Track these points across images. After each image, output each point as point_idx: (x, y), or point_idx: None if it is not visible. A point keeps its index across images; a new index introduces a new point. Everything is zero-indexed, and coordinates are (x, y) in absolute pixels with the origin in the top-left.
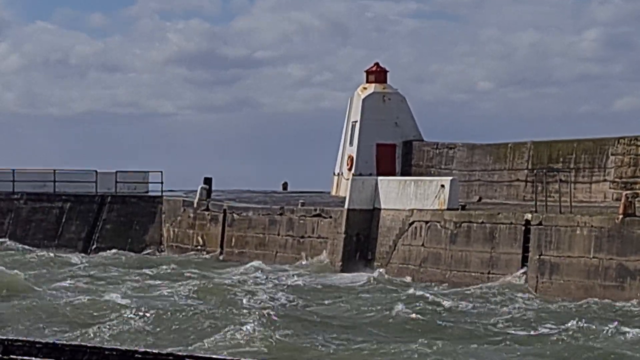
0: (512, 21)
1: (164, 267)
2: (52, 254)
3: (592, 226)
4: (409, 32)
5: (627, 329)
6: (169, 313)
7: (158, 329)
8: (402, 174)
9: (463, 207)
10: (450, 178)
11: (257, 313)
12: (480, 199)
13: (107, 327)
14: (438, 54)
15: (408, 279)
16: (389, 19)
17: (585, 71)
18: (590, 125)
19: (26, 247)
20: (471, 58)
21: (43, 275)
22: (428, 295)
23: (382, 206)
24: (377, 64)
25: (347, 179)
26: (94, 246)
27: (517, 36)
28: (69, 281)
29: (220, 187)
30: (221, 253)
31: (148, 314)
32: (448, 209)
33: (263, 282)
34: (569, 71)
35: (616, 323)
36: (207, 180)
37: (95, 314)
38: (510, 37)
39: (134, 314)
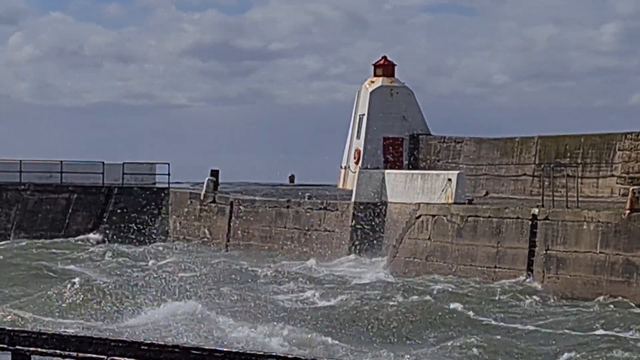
0: (531, 14)
1: None
2: None
3: (598, 221)
4: (427, 25)
5: None
6: None
7: None
8: (409, 168)
9: (470, 202)
10: (457, 172)
11: None
12: (487, 193)
13: None
14: (455, 46)
15: None
16: (406, 11)
17: (602, 65)
18: (605, 120)
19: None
20: (488, 51)
21: None
22: None
23: (389, 200)
24: (384, 58)
25: (354, 172)
26: (100, 237)
27: (535, 29)
28: None
29: (227, 180)
30: (227, 245)
31: None
32: (455, 203)
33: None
34: (586, 65)
35: None
36: (214, 173)
37: None
38: (529, 31)
39: None
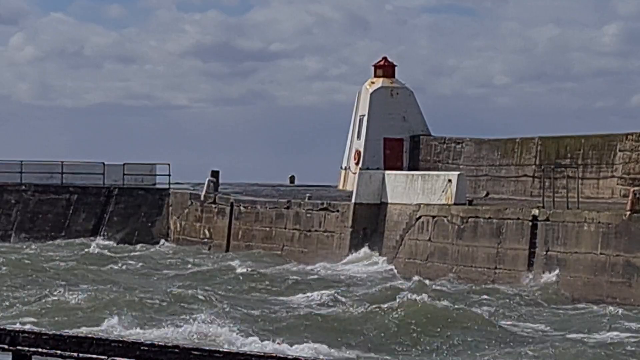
0: (532, 15)
1: None
2: None
3: (599, 222)
4: (428, 25)
5: None
6: None
7: None
8: (410, 169)
9: (470, 202)
10: (458, 173)
11: None
12: (487, 194)
13: None
14: (456, 47)
15: None
16: (408, 12)
17: (604, 66)
18: (606, 121)
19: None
20: (489, 52)
21: None
22: None
23: (389, 200)
24: (385, 59)
25: (355, 173)
26: (101, 238)
27: (536, 30)
28: None
29: (227, 180)
30: (228, 246)
31: None
32: (455, 204)
33: None
34: (588, 66)
35: None
36: (215, 173)
37: None
38: (530, 32)
39: None
